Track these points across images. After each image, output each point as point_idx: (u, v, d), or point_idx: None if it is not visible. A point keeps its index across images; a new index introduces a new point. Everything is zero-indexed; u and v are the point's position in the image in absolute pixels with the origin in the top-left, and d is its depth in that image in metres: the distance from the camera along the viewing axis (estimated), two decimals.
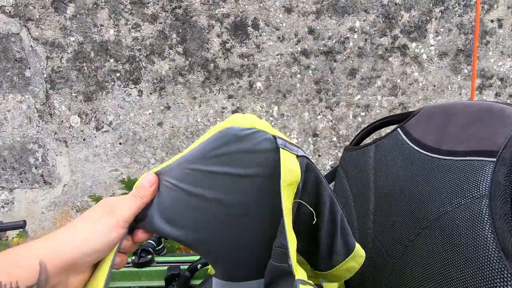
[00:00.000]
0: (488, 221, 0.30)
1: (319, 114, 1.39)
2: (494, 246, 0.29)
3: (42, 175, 1.40)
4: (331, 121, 1.40)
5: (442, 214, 0.37)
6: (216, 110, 1.38)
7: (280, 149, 0.33)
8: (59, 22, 1.28)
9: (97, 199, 1.36)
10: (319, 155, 1.43)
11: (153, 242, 0.74)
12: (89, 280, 0.31)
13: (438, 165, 0.42)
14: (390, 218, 0.47)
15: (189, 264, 0.70)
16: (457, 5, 1.32)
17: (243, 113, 0.36)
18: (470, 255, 0.31)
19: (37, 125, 1.35)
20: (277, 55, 1.33)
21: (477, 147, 0.38)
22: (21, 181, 1.40)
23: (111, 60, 1.31)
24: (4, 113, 1.34)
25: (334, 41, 1.33)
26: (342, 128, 1.41)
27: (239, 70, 1.34)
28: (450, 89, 1.39)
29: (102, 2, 1.27)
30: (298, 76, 1.36)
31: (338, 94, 1.38)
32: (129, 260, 0.71)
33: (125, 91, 1.34)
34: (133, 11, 1.28)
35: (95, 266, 0.32)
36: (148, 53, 1.31)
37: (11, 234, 1.40)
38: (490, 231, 0.30)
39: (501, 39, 1.35)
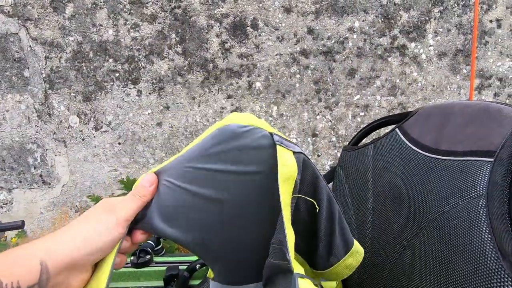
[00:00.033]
0: (486, 221, 0.30)
1: (318, 114, 1.39)
2: (491, 247, 0.29)
3: (41, 175, 1.39)
4: (330, 121, 1.40)
5: (440, 214, 0.37)
6: (215, 110, 1.38)
7: (277, 145, 0.34)
8: (58, 22, 1.27)
9: (96, 199, 1.36)
10: (318, 155, 1.43)
11: (152, 243, 0.74)
12: (90, 279, 0.31)
13: (436, 165, 0.42)
14: (388, 218, 0.47)
15: (188, 264, 0.70)
16: (456, 5, 1.32)
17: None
18: (467, 255, 0.31)
19: (36, 125, 1.35)
20: (276, 55, 1.33)
21: (475, 147, 0.38)
22: (20, 181, 1.40)
23: (110, 60, 1.31)
24: (2, 113, 1.34)
25: (333, 41, 1.33)
26: (341, 128, 1.41)
27: (238, 70, 1.34)
28: (449, 89, 1.39)
29: (101, 2, 1.27)
30: (297, 76, 1.36)
31: (337, 94, 1.38)
32: (128, 260, 0.71)
33: (124, 91, 1.34)
34: (132, 11, 1.28)
35: (96, 266, 0.32)
36: (147, 53, 1.31)
37: (10, 234, 1.40)
38: (487, 231, 0.30)
39: (500, 39, 1.36)
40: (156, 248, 0.75)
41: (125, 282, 0.72)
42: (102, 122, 1.36)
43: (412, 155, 0.47)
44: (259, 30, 1.31)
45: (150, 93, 1.35)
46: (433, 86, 1.39)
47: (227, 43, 1.32)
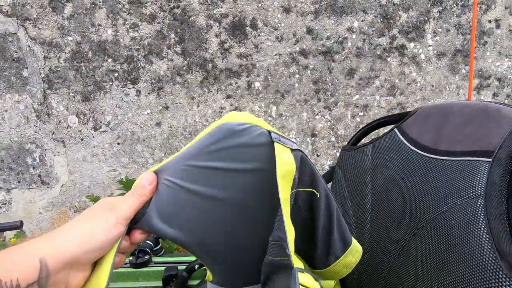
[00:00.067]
0: (484, 221, 0.30)
1: (317, 114, 1.39)
2: (489, 247, 0.29)
3: (39, 175, 1.39)
4: (330, 121, 1.40)
5: (438, 214, 0.37)
6: (215, 110, 1.38)
7: (274, 142, 0.34)
8: (57, 22, 1.27)
9: (95, 199, 1.36)
10: (317, 155, 1.43)
11: (150, 243, 0.74)
12: (89, 278, 0.31)
13: (435, 165, 0.42)
14: (387, 218, 0.47)
15: (187, 264, 0.69)
16: (455, 5, 1.32)
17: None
18: (465, 255, 0.31)
19: (35, 125, 1.35)
20: (275, 55, 1.33)
21: (473, 147, 0.38)
22: (19, 182, 1.40)
23: (109, 60, 1.31)
24: (1, 113, 1.34)
25: (332, 41, 1.33)
26: (340, 128, 1.41)
27: (238, 70, 1.34)
28: (448, 89, 1.40)
29: (100, 2, 1.27)
30: (297, 76, 1.36)
31: (336, 94, 1.38)
32: (127, 260, 0.71)
33: (123, 91, 1.34)
34: (131, 10, 1.28)
35: (95, 264, 0.32)
36: (146, 53, 1.31)
37: (9, 234, 1.40)
38: (485, 231, 0.30)
39: (498, 40, 1.36)
40: (155, 248, 0.75)
41: (123, 282, 0.72)
42: (101, 122, 1.36)
43: (411, 155, 0.47)
44: (258, 30, 1.31)
45: (149, 93, 1.35)
46: (432, 86, 1.39)
47: (226, 43, 1.31)
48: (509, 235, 0.28)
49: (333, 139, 1.42)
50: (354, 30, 1.32)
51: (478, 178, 0.34)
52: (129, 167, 1.40)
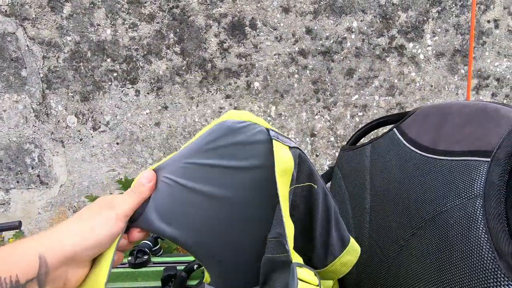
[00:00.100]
0: (482, 221, 0.30)
1: (316, 114, 1.39)
2: (488, 247, 0.29)
3: (38, 176, 1.39)
4: (329, 121, 1.40)
5: (437, 214, 0.37)
6: (214, 110, 1.38)
7: (273, 140, 0.34)
8: (56, 22, 1.27)
9: (94, 199, 1.35)
10: (316, 155, 1.43)
11: (149, 243, 0.74)
12: (88, 274, 0.31)
13: (434, 165, 0.42)
14: (386, 218, 0.47)
15: (186, 264, 0.69)
16: (453, 5, 1.32)
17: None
18: (464, 255, 0.31)
19: (34, 125, 1.35)
20: (274, 55, 1.33)
21: (472, 147, 0.38)
22: (17, 182, 1.39)
23: (108, 60, 1.31)
24: (0, 113, 1.33)
25: (331, 41, 1.33)
26: (339, 128, 1.41)
27: (237, 70, 1.34)
28: (447, 89, 1.40)
29: (99, 2, 1.26)
30: (296, 76, 1.36)
31: (335, 94, 1.38)
32: (125, 260, 0.71)
33: (122, 91, 1.34)
34: (130, 10, 1.28)
35: (94, 261, 0.32)
36: (145, 53, 1.31)
37: (8, 235, 1.39)
38: (484, 231, 0.30)
39: (497, 40, 1.36)
40: (153, 249, 0.75)
41: (122, 283, 0.72)
42: (100, 122, 1.36)
43: (410, 155, 0.47)
44: (258, 30, 1.31)
45: (148, 93, 1.34)
46: (431, 86, 1.39)
47: (225, 43, 1.31)
48: (508, 234, 0.28)
49: (332, 139, 1.42)
50: (353, 30, 1.32)
51: (477, 178, 0.34)
52: (128, 167, 1.40)
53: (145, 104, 1.35)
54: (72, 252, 0.29)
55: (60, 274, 0.29)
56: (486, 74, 1.39)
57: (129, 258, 0.70)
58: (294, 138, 1.41)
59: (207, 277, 0.41)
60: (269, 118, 1.40)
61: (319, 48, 1.33)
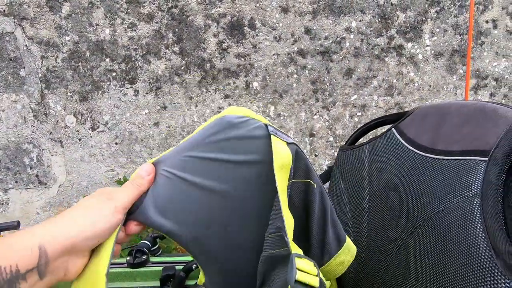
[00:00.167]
0: (480, 220, 0.31)
1: (315, 114, 1.40)
2: (485, 245, 0.29)
3: (37, 175, 1.39)
4: (328, 121, 1.41)
5: (435, 213, 0.37)
6: (213, 110, 1.38)
7: (271, 135, 0.35)
8: (54, 21, 1.27)
9: None
10: (315, 155, 1.43)
11: (148, 243, 0.74)
12: (88, 264, 0.32)
13: (432, 165, 0.42)
14: (384, 217, 0.47)
15: (184, 264, 0.69)
16: (452, 5, 1.32)
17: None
18: (461, 253, 0.31)
19: (32, 125, 1.35)
20: (273, 55, 1.33)
21: (471, 146, 0.38)
22: (16, 182, 1.39)
23: (107, 60, 1.31)
24: None
25: (330, 41, 1.33)
26: (338, 128, 1.41)
27: (236, 70, 1.34)
28: (445, 89, 1.40)
29: (97, 1, 1.26)
30: (295, 76, 1.36)
31: (334, 94, 1.38)
32: (124, 260, 0.71)
33: (121, 91, 1.34)
34: (129, 10, 1.28)
35: (93, 252, 0.32)
36: (144, 52, 1.31)
37: (6, 235, 1.39)
38: (481, 230, 0.30)
39: (495, 40, 1.36)
40: (152, 248, 0.75)
41: (121, 282, 0.71)
42: (99, 122, 1.36)
43: (408, 154, 0.47)
44: (257, 30, 1.31)
45: (147, 93, 1.34)
46: (430, 86, 1.39)
47: (224, 43, 1.31)
48: (505, 233, 0.28)
49: (331, 139, 1.42)
50: (352, 30, 1.33)
51: (475, 177, 0.34)
52: (127, 167, 1.40)
53: (144, 104, 1.35)
54: (72, 242, 0.29)
55: (61, 264, 0.29)
56: (485, 74, 1.40)
57: (128, 258, 0.70)
58: (293, 138, 1.41)
59: (201, 278, 0.40)
60: (268, 118, 1.40)
61: (318, 48, 1.34)
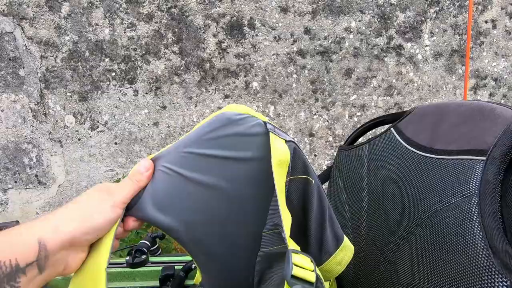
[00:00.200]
0: (477, 219, 0.31)
1: (315, 114, 1.40)
2: (483, 244, 0.29)
3: (36, 176, 1.39)
4: (327, 121, 1.41)
5: (433, 212, 0.37)
6: (212, 110, 1.38)
7: (270, 132, 0.35)
8: (54, 21, 1.27)
9: None
10: (315, 155, 1.44)
11: (147, 243, 0.74)
12: (87, 258, 0.32)
13: (431, 164, 0.42)
14: (383, 216, 0.47)
15: (184, 264, 0.69)
16: (451, 6, 1.33)
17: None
18: (459, 252, 0.31)
19: (32, 125, 1.35)
20: (273, 55, 1.34)
21: (469, 146, 0.38)
22: (15, 182, 1.39)
23: (106, 60, 1.31)
24: None
25: (330, 41, 1.33)
26: (338, 128, 1.42)
27: (235, 70, 1.34)
28: (445, 89, 1.40)
29: (97, 1, 1.26)
30: (294, 76, 1.36)
31: (334, 94, 1.38)
32: (123, 260, 0.71)
33: (120, 91, 1.34)
34: (128, 10, 1.28)
35: (91, 247, 0.32)
36: (143, 52, 1.31)
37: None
38: (479, 229, 0.30)
39: (495, 40, 1.37)
40: (152, 248, 0.75)
41: (120, 282, 0.71)
42: (98, 122, 1.36)
43: (407, 154, 0.48)
44: (256, 30, 1.31)
45: (146, 93, 1.34)
46: (429, 86, 1.39)
47: (224, 42, 1.32)
48: (502, 232, 0.28)
49: (330, 139, 1.42)
50: (351, 30, 1.33)
51: (473, 177, 0.34)
52: (126, 167, 1.40)
53: (144, 104, 1.35)
54: (71, 236, 0.29)
55: (60, 258, 0.29)
56: (484, 74, 1.40)
57: (127, 257, 0.70)
58: (293, 138, 1.42)
59: (197, 277, 0.40)
60: (268, 118, 1.40)
61: (317, 48, 1.34)
